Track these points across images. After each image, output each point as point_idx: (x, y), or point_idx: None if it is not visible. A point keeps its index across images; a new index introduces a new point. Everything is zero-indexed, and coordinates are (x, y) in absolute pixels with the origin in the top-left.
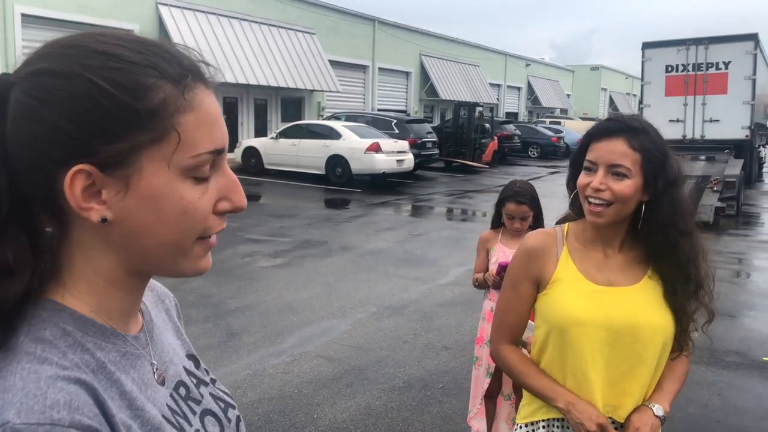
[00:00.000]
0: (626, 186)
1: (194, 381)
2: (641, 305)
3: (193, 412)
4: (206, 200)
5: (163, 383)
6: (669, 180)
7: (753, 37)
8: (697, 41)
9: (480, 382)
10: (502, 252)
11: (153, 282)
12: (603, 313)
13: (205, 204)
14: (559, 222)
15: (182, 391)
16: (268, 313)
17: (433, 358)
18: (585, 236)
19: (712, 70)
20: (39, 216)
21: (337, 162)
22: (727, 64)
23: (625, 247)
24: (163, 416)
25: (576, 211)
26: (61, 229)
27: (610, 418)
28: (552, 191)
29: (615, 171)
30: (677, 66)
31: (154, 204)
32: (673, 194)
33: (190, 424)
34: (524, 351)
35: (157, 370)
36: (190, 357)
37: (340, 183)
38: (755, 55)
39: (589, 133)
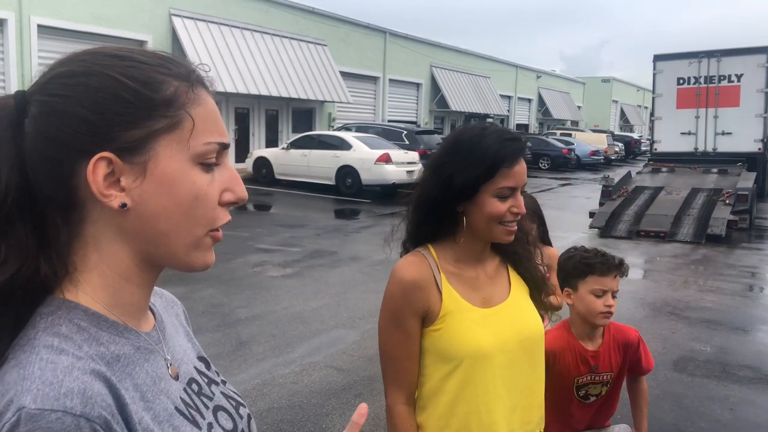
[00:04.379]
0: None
1: (205, 380)
2: (523, 314)
3: (206, 407)
4: (214, 189)
5: (177, 378)
6: None
7: (765, 50)
8: (709, 54)
9: None
10: None
11: (161, 290)
12: (498, 336)
13: (213, 192)
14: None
15: (194, 387)
16: (278, 322)
17: None
18: (458, 258)
19: (725, 83)
20: (51, 216)
21: (347, 172)
22: (739, 77)
23: (486, 259)
24: (176, 408)
25: (432, 236)
26: (74, 226)
27: None
28: (563, 203)
29: (522, 189)
30: (689, 78)
31: (169, 188)
32: None
33: (203, 417)
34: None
35: (171, 365)
36: (201, 359)
37: (350, 193)
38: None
39: (497, 158)
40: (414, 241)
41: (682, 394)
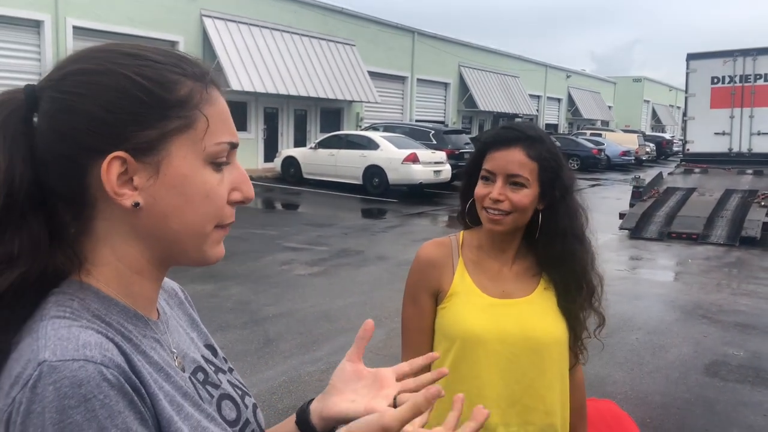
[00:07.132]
0: (524, 196)
1: (212, 368)
2: (536, 316)
3: (211, 396)
4: (223, 188)
5: (183, 370)
6: (564, 187)
7: None
8: (745, 52)
9: None
10: None
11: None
12: (499, 327)
13: (222, 191)
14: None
15: (200, 376)
16: (305, 320)
17: None
18: (480, 246)
19: (761, 82)
20: (61, 210)
21: (374, 172)
22: None
23: (519, 256)
24: (182, 394)
25: (469, 221)
26: (84, 222)
27: None
28: (593, 204)
29: (513, 181)
30: (724, 77)
31: (182, 188)
32: (568, 201)
33: (209, 406)
34: None
35: (177, 358)
36: (208, 346)
37: (377, 193)
38: None
39: (484, 141)
40: (464, 225)
41: (714, 400)
